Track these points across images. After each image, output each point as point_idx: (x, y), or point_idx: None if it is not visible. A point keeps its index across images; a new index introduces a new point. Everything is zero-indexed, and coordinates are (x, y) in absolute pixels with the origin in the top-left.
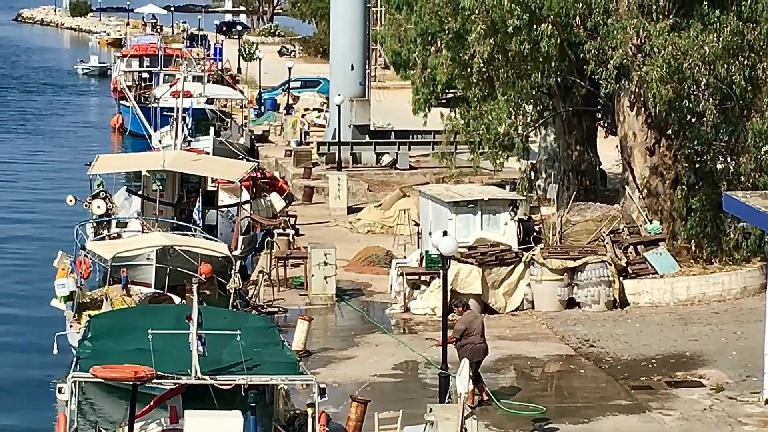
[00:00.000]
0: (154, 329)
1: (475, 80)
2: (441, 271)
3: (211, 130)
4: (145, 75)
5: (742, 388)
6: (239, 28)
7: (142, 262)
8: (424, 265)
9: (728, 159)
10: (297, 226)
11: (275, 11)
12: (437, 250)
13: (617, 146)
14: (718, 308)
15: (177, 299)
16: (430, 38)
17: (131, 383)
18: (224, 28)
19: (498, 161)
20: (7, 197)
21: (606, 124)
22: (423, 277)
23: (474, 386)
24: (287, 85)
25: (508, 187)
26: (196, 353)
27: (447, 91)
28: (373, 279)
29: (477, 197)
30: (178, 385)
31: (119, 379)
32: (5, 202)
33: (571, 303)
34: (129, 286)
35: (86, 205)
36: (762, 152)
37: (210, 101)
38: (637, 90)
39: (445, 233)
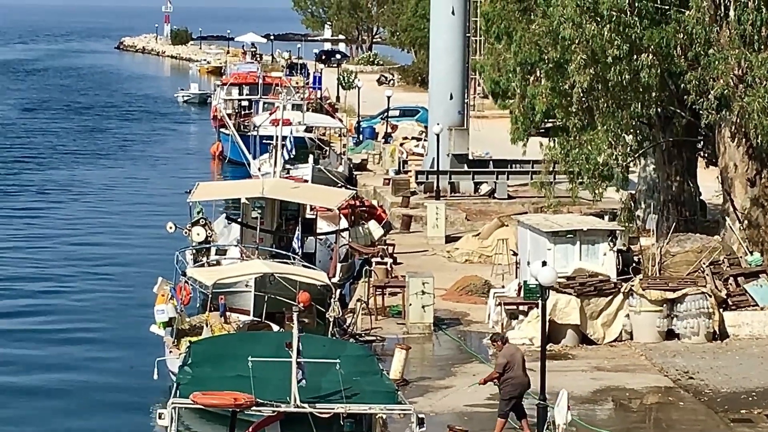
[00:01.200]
0: (253, 356)
1: (574, 110)
2: (539, 302)
3: (310, 158)
4: (244, 103)
5: None
6: (338, 56)
7: (241, 289)
8: (522, 295)
9: None
10: (395, 255)
11: (374, 40)
12: (536, 280)
13: (717, 177)
14: None
15: (275, 327)
16: (529, 68)
17: (230, 410)
18: (323, 57)
19: (597, 191)
20: (108, 223)
21: (706, 155)
22: (521, 307)
23: (519, 420)
24: (386, 114)
25: (607, 218)
26: (295, 381)
27: (546, 120)
28: (471, 308)
29: (576, 227)
30: (277, 413)
31: (219, 406)
32: (106, 228)
33: (670, 334)
34: (227, 313)
35: (186, 232)
36: None
37: (309, 129)
38: (738, 121)
39: (544, 263)
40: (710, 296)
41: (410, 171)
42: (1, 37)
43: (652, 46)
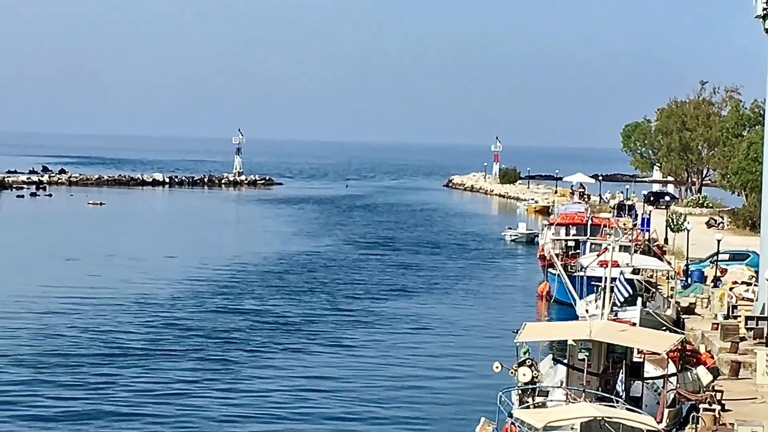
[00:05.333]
0: None
1: None
2: None
3: (638, 300)
4: (571, 243)
5: None
6: (667, 198)
7: None
8: None
9: None
10: (723, 402)
11: (704, 182)
12: None
13: None
14: None
15: None
16: None
17: None
18: (652, 198)
19: None
20: (429, 359)
21: None
22: None
23: None
24: (715, 258)
25: None
26: None
27: None
28: None
29: None
30: None
31: None
32: (427, 362)
33: None
34: None
35: (512, 373)
36: None
37: (636, 271)
38: None
39: None
40: None
41: (740, 316)
42: (337, 173)
43: None
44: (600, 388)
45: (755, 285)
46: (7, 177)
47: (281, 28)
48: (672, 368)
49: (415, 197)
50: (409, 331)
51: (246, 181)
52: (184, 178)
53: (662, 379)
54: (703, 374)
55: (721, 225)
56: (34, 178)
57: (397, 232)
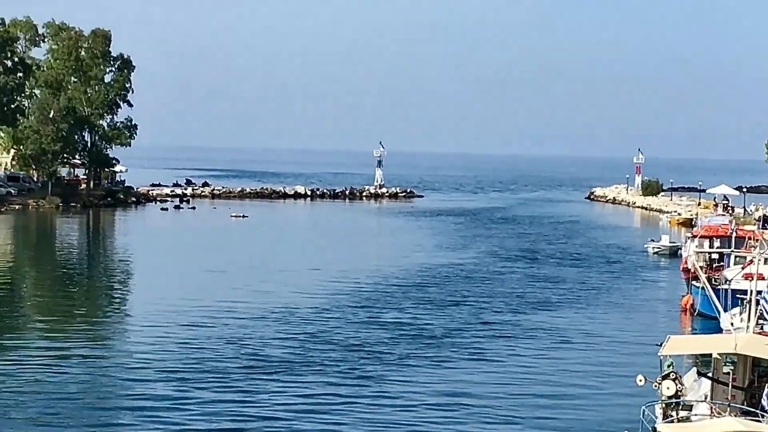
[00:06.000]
0: None
1: None
2: None
3: None
4: (715, 256)
5: None
6: None
7: None
8: None
9: None
10: None
11: None
12: None
13: None
14: None
15: None
16: None
17: None
18: None
19: None
20: (569, 369)
21: None
22: None
23: None
24: None
25: None
26: None
27: None
28: None
29: None
30: None
31: None
32: (564, 374)
33: None
34: None
35: (655, 386)
36: None
37: None
38: None
39: None
40: None
41: None
42: (478, 185)
43: None
44: (745, 403)
45: None
46: (152, 190)
47: (422, 40)
48: None
49: (557, 209)
50: (552, 344)
51: (387, 194)
52: (325, 190)
53: None
54: None
55: None
56: (178, 191)
57: (539, 244)
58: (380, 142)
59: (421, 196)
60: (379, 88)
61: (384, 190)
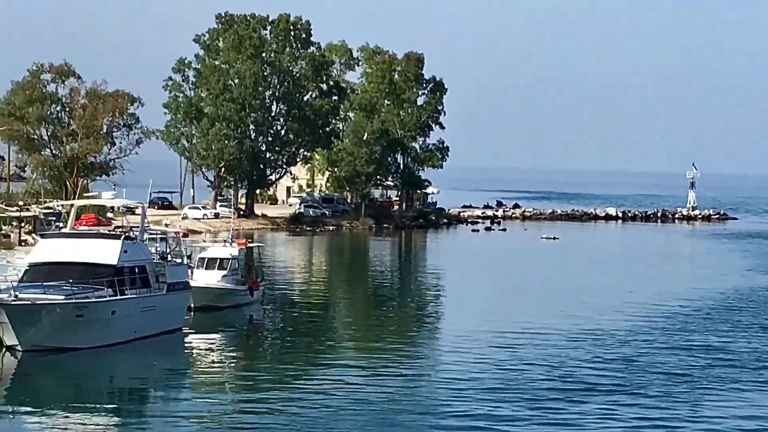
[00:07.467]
0: None
1: None
2: None
3: None
4: None
5: None
6: None
7: None
8: None
9: None
10: None
11: None
12: None
13: None
14: None
15: None
16: None
17: None
18: None
19: None
20: None
21: None
22: None
23: None
24: None
25: None
26: None
27: None
28: None
29: None
30: None
31: None
32: None
33: None
34: None
35: None
36: None
37: None
38: None
39: None
40: None
41: None
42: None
43: None
44: None
45: None
46: (463, 211)
47: (740, 63)
48: None
49: None
50: None
51: (700, 216)
52: (636, 212)
53: None
54: None
55: None
56: (489, 212)
57: None
58: (693, 164)
59: (735, 219)
60: (688, 107)
61: (697, 212)
